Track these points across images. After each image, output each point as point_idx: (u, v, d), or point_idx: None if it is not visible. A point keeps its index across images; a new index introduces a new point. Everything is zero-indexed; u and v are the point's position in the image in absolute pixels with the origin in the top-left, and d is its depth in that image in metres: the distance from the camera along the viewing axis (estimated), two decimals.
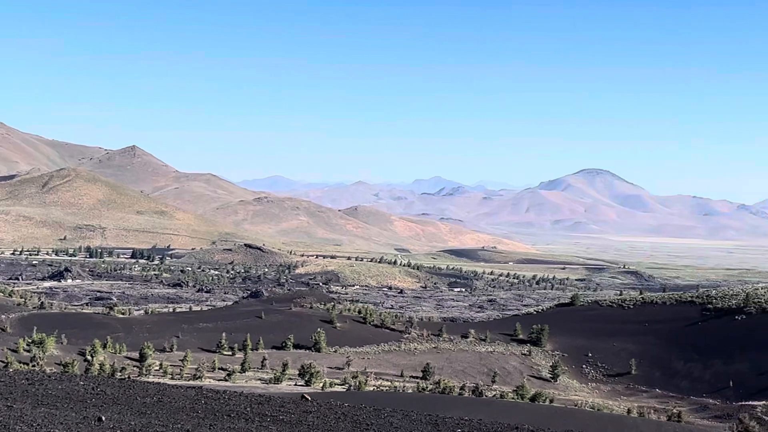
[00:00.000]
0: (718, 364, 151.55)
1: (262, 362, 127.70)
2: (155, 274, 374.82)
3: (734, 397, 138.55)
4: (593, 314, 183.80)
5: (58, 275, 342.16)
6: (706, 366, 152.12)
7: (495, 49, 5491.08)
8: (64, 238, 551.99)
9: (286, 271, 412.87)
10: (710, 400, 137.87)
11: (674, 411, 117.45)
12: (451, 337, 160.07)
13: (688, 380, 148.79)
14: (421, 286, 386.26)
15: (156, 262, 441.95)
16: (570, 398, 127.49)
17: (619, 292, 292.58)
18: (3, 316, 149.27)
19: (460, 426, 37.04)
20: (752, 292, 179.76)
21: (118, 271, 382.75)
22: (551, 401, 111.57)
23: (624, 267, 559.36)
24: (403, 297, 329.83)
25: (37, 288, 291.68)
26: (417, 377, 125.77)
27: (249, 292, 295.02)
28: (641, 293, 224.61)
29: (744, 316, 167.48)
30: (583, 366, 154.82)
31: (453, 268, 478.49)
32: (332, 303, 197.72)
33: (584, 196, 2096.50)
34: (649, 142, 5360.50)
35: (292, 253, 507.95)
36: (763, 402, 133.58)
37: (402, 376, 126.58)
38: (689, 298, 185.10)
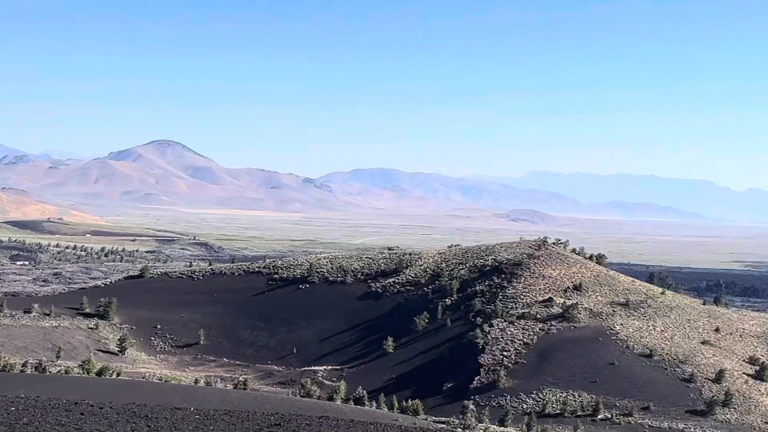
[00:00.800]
0: (283, 332, 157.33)
1: None
2: None
3: (297, 363, 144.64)
4: (163, 286, 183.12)
5: None
6: (272, 334, 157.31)
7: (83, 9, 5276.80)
8: None
9: None
10: (275, 367, 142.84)
11: (241, 379, 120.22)
12: (13, 313, 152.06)
13: (254, 348, 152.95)
14: None
15: None
16: (138, 371, 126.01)
17: (189, 264, 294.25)
18: None
19: (14, 404, 34.67)
20: (315, 262, 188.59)
21: None
22: (118, 374, 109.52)
23: (194, 239, 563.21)
24: None
25: None
26: None
27: None
28: (210, 264, 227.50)
29: (308, 285, 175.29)
30: (152, 338, 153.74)
31: (16, 241, 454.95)
32: None
33: (155, 167, 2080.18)
34: (219, 115, 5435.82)
35: None
36: (324, 367, 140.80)
37: None
38: (257, 269, 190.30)
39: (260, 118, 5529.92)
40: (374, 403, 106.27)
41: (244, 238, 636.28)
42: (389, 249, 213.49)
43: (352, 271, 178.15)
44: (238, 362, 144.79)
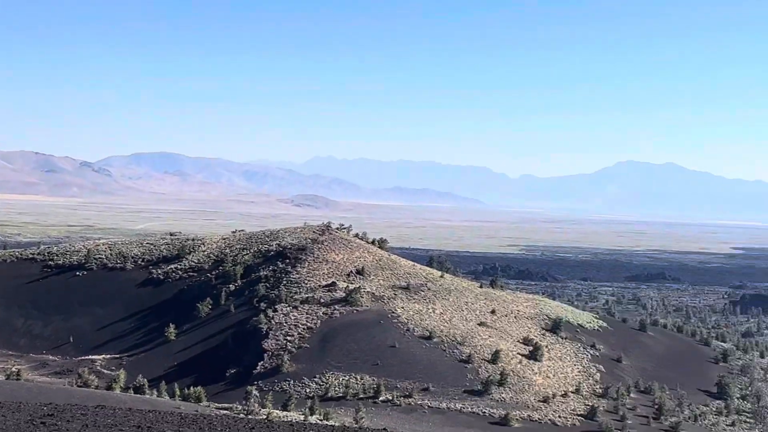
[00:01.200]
0: (59, 321, 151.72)
1: None
2: None
3: (74, 352, 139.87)
4: None
5: None
6: (47, 323, 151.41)
7: None
8: None
9: None
10: (51, 357, 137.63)
11: (13, 369, 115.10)
12: None
13: (28, 338, 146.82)
14: None
15: None
16: None
17: None
18: None
19: None
20: (93, 248, 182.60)
21: None
22: None
23: None
24: None
25: None
26: None
27: None
28: None
29: (85, 272, 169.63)
30: None
31: None
32: None
33: None
34: None
35: None
36: (103, 356, 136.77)
37: None
38: (30, 255, 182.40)
39: (34, 97, 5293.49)
40: (155, 391, 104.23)
41: (16, 224, 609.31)
42: (171, 234, 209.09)
43: (132, 257, 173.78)
44: (10, 353, 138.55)
